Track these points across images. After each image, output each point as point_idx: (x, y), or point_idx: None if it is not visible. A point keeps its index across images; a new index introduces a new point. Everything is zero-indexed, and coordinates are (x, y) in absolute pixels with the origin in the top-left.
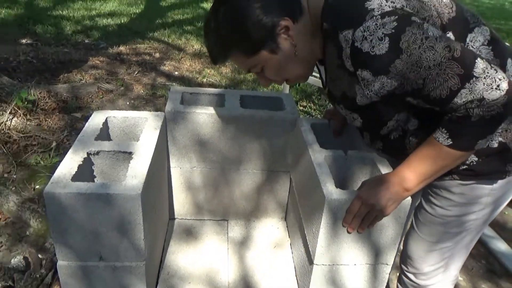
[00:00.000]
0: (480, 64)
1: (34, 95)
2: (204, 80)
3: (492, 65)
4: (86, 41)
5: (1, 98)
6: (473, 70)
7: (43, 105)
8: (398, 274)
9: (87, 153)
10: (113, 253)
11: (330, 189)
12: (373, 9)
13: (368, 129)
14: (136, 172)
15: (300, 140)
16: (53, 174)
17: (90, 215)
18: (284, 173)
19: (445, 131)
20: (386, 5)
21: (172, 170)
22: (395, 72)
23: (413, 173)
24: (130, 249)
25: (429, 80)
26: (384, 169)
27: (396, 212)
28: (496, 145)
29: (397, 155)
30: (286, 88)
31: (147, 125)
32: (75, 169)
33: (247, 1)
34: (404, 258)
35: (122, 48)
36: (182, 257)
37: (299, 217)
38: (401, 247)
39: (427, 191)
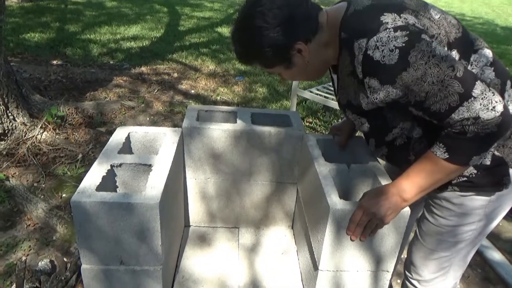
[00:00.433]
0: (479, 86)
1: (63, 111)
2: (218, 98)
3: (490, 88)
4: (111, 62)
5: (33, 114)
6: (472, 91)
7: (71, 120)
8: (402, 280)
9: (111, 165)
10: (132, 257)
11: (335, 200)
12: (387, 22)
13: (374, 135)
14: (155, 183)
15: (306, 154)
16: (79, 184)
17: (112, 222)
18: (291, 185)
19: (442, 146)
20: (399, 20)
21: (188, 181)
22: (401, 83)
23: (411, 184)
24: (149, 254)
25: (431, 94)
26: (384, 181)
27: (395, 222)
28: (493, 159)
29: (400, 162)
30: (293, 106)
31: (165, 140)
32: (100, 180)
33: (266, 23)
34: (408, 265)
35: (143, 69)
36: (196, 262)
37: (305, 225)
38: (405, 255)
39: (429, 202)
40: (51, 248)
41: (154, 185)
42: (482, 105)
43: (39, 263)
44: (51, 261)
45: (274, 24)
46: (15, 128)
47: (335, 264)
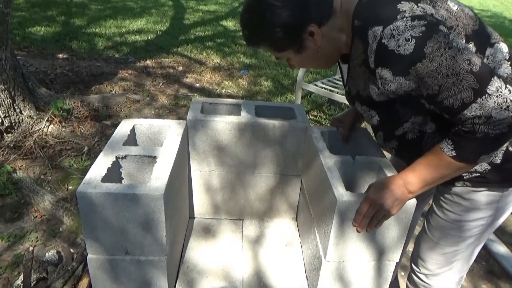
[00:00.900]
0: (495, 83)
1: (69, 105)
2: (223, 91)
3: (507, 85)
4: (116, 55)
5: (39, 107)
6: (487, 87)
7: (77, 113)
8: (408, 273)
9: (116, 157)
10: (137, 248)
11: (341, 192)
12: (405, 10)
13: (383, 129)
14: (160, 174)
15: (311, 146)
16: (85, 176)
17: (118, 213)
18: (295, 177)
19: (450, 143)
20: (417, 9)
21: (192, 173)
22: (415, 74)
23: (417, 178)
24: (153, 244)
25: (444, 87)
26: (389, 173)
27: (400, 213)
28: (506, 155)
29: (411, 157)
30: (298, 99)
31: (170, 132)
32: (105, 171)
33: (278, 1)
34: (415, 259)
35: (148, 62)
36: (201, 253)
37: (310, 217)
38: (409, 249)
39: (439, 197)
40: (58, 239)
41: (158, 177)
42: (496, 103)
43: (46, 254)
44: (58, 252)
45: (287, 3)
46: (22, 121)
47: (340, 255)
